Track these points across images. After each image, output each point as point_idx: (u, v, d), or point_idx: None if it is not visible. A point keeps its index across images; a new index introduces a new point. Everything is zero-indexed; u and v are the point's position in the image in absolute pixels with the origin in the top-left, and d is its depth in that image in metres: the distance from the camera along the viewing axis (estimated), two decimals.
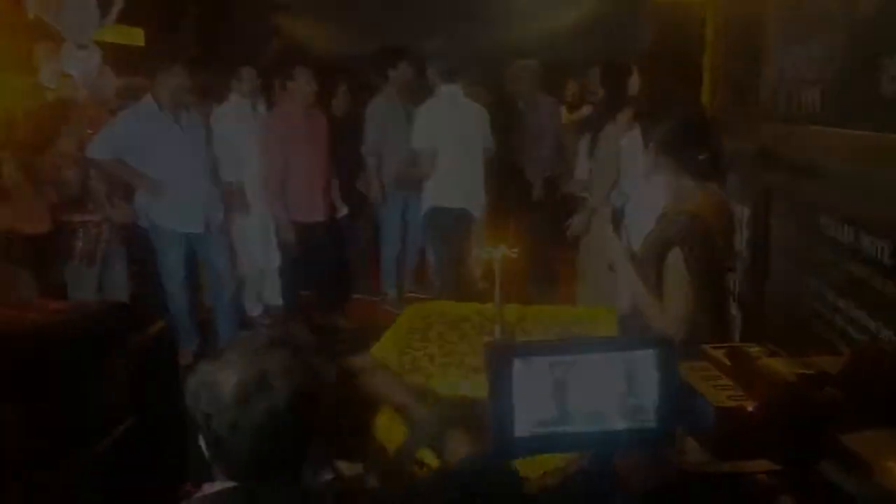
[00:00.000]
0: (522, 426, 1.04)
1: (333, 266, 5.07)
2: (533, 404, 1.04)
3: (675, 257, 1.96)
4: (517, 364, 1.02)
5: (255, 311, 5.21)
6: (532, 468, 1.38)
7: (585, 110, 5.67)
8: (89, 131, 4.62)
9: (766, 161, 3.12)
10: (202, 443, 1.16)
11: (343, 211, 4.97)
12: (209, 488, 1.17)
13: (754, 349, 1.14)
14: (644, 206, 3.13)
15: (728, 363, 1.11)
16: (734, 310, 3.07)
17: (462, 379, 2.56)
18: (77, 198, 3.87)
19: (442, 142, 4.57)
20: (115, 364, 0.48)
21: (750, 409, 1.00)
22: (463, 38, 7.18)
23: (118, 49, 5.79)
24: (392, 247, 5.37)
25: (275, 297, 5.28)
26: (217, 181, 4.51)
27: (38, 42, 4.96)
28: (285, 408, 1.13)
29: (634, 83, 3.91)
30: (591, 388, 1.05)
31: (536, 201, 5.27)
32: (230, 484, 1.15)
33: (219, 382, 1.13)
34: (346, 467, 1.34)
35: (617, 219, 2.18)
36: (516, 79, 5.34)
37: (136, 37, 6.79)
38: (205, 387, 1.15)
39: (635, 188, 3.48)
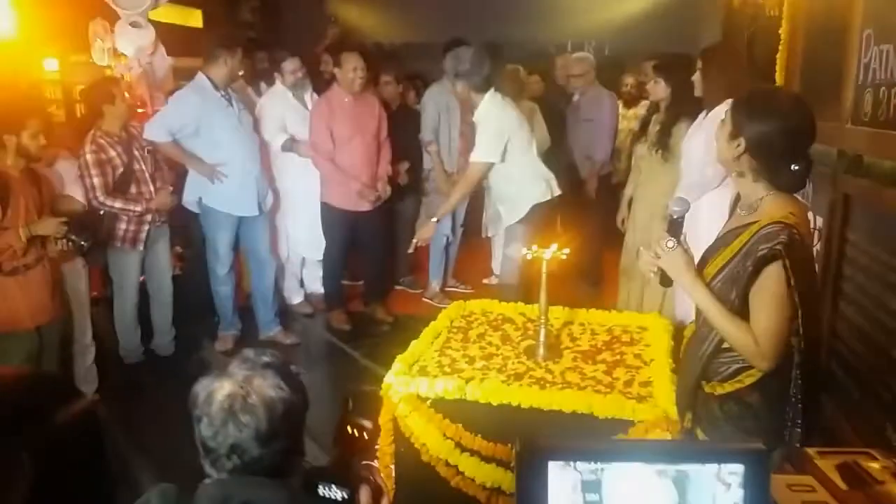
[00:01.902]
0: None
1: (378, 255, 4.99)
2: None
3: (775, 273, 1.71)
4: (553, 470, 0.78)
5: (295, 298, 5.17)
6: None
7: (642, 107, 5.47)
8: (140, 109, 4.65)
9: (848, 167, 2.90)
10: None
11: (386, 195, 4.82)
12: None
13: (875, 464, 0.88)
14: (705, 216, 2.94)
15: (842, 485, 0.84)
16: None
17: (502, 385, 2.43)
18: (120, 180, 3.84)
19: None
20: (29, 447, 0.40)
21: None
22: (518, 27, 7.05)
23: (174, 30, 5.80)
24: (440, 237, 5.26)
25: (316, 285, 5.25)
26: (266, 165, 4.51)
27: (92, 19, 4.98)
28: (264, 426, 1.21)
29: (698, 81, 3.68)
30: None
31: (589, 200, 5.07)
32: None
33: (213, 391, 1.24)
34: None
35: (674, 231, 1.90)
36: (571, 71, 5.15)
37: (193, 18, 6.84)
38: (203, 390, 1.26)
39: (696, 194, 3.28)
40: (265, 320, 4.60)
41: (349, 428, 1.53)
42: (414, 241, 3.85)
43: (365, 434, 1.54)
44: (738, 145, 1.80)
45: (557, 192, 3.89)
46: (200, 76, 4.17)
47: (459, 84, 3.68)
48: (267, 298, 4.58)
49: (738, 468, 0.76)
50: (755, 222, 1.78)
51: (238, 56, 4.17)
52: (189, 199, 4.32)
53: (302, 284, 5.26)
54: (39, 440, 0.39)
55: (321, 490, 1.28)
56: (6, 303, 3.02)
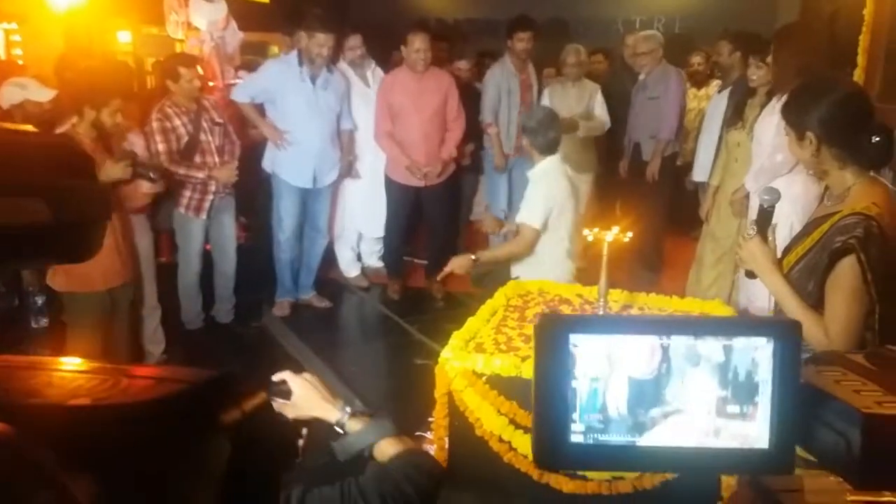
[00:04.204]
0: (577, 429, 0.77)
1: (440, 231, 5.00)
2: (594, 401, 0.76)
3: (849, 267, 1.65)
4: (575, 342, 0.75)
5: (352, 272, 5.25)
6: None
7: (714, 87, 5.30)
8: (210, 83, 4.76)
9: None
10: None
11: (435, 172, 4.81)
12: None
13: None
14: (785, 202, 2.83)
15: (871, 366, 0.82)
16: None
17: None
18: (186, 148, 3.95)
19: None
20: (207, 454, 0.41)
21: None
22: (584, 3, 6.90)
23: (244, 5, 5.90)
24: (499, 214, 5.26)
25: (373, 259, 5.31)
26: (336, 142, 4.60)
27: None
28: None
29: (770, 60, 3.51)
30: (676, 384, 0.76)
31: (651, 181, 4.95)
32: None
33: None
34: None
35: (763, 221, 1.83)
36: (638, 49, 5.02)
37: None
38: None
39: (766, 180, 3.17)
40: (304, 285, 4.80)
41: None
42: (446, 269, 3.47)
43: None
44: (810, 142, 1.75)
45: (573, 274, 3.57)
46: (293, 51, 4.48)
47: (524, 139, 3.48)
48: (311, 266, 4.80)
49: (762, 342, 0.76)
50: (837, 212, 1.72)
51: (316, 37, 4.22)
52: (265, 163, 4.58)
53: (359, 258, 5.32)
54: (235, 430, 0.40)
55: None
56: (80, 266, 3.16)
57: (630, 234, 2.60)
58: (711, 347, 0.76)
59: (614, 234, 2.59)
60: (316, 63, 4.30)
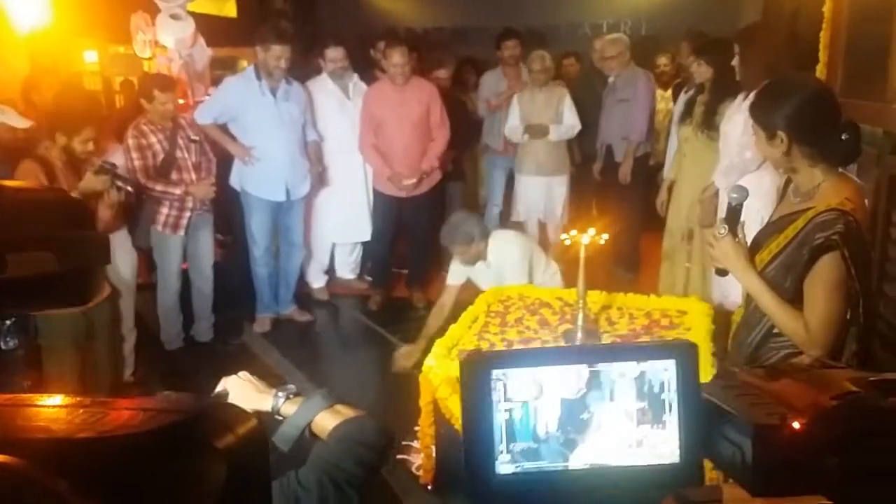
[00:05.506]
0: (504, 460, 0.81)
1: (422, 241, 5.00)
2: (515, 433, 0.81)
3: (832, 262, 1.67)
4: (497, 377, 0.80)
5: (316, 283, 5.22)
6: None
7: (676, 87, 5.38)
8: (181, 101, 4.73)
9: (894, 148, 2.82)
10: None
11: (412, 181, 4.83)
12: None
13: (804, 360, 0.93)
14: (755, 198, 2.89)
15: (770, 380, 0.87)
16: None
17: None
18: (162, 165, 3.92)
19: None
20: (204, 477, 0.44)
21: (797, 425, 0.77)
22: (553, 9, 6.98)
23: (211, 20, 5.88)
24: (495, 207, 5.57)
25: (345, 270, 5.32)
26: (305, 153, 4.58)
27: (134, 12, 5.07)
28: None
29: (738, 64, 3.60)
30: (601, 400, 0.82)
31: (624, 182, 5.02)
32: None
33: None
34: None
35: (733, 219, 1.86)
36: (605, 53, 5.09)
37: (228, 7, 6.91)
38: None
39: (735, 177, 3.23)
40: (284, 299, 4.78)
41: None
42: (396, 368, 3.60)
43: None
44: (781, 140, 1.77)
45: None
46: (251, 66, 4.44)
47: (465, 253, 3.53)
48: (289, 281, 4.78)
49: (670, 364, 0.82)
50: (810, 208, 1.74)
51: (272, 49, 4.20)
52: (233, 180, 4.53)
53: (327, 271, 5.30)
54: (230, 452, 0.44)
55: None
56: None
57: (606, 236, 2.64)
58: (629, 366, 0.83)
59: (591, 237, 2.62)
60: (274, 76, 4.28)
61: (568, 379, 0.82)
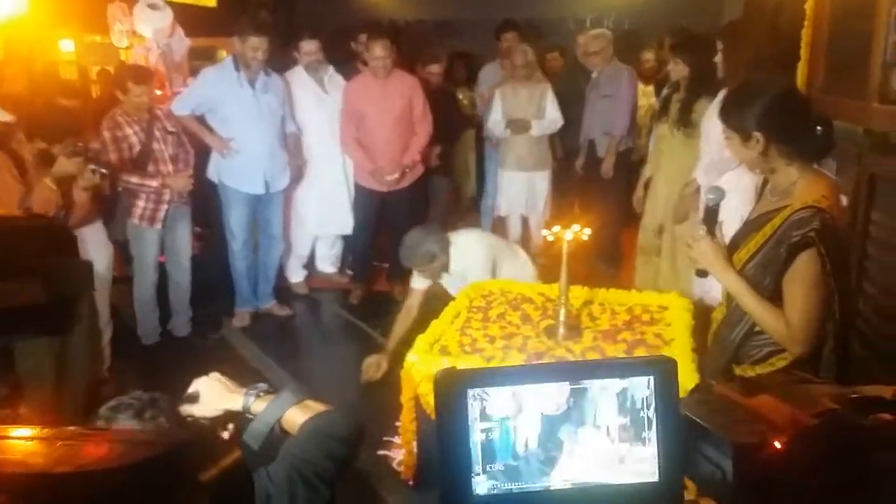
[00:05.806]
0: (481, 481, 0.79)
1: (403, 234, 4.96)
2: (493, 451, 0.79)
3: (809, 259, 1.67)
4: (472, 396, 0.78)
5: (294, 277, 5.16)
6: None
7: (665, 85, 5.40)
8: (158, 91, 4.66)
9: (874, 146, 2.84)
10: None
11: (395, 176, 4.80)
12: None
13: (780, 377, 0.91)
14: (735, 195, 2.89)
15: (746, 395, 0.87)
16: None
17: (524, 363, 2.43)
18: (138, 157, 3.85)
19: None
20: None
21: (778, 444, 0.76)
22: (538, 3, 6.96)
23: (190, 10, 5.78)
24: (490, 199, 5.57)
25: (326, 265, 5.28)
26: (284, 146, 4.52)
27: (111, 1, 4.98)
28: None
29: (720, 61, 3.61)
30: (582, 416, 0.80)
31: (606, 177, 5.02)
32: None
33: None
34: None
35: (710, 219, 1.85)
36: (588, 49, 5.08)
37: None
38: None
39: (715, 174, 3.24)
40: (263, 293, 4.72)
41: None
42: (365, 378, 3.67)
43: None
44: (757, 141, 1.77)
45: None
46: (229, 57, 4.36)
47: (427, 270, 3.58)
48: (269, 275, 4.73)
49: (649, 380, 0.81)
50: (787, 206, 1.74)
51: (250, 40, 4.12)
52: (210, 172, 4.45)
53: (307, 265, 5.25)
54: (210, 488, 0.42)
55: None
56: None
57: (588, 232, 2.63)
58: (611, 381, 0.82)
59: (574, 233, 2.61)
60: (252, 67, 4.21)
61: (549, 395, 0.80)
